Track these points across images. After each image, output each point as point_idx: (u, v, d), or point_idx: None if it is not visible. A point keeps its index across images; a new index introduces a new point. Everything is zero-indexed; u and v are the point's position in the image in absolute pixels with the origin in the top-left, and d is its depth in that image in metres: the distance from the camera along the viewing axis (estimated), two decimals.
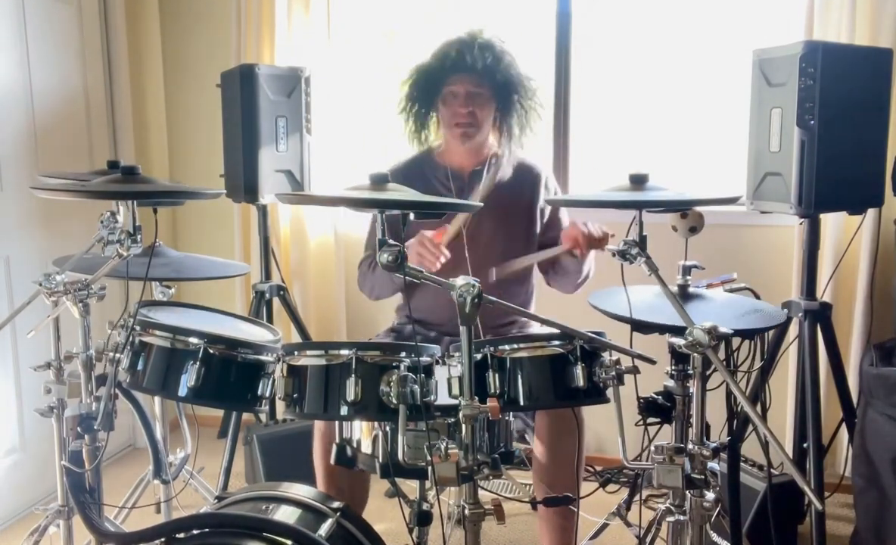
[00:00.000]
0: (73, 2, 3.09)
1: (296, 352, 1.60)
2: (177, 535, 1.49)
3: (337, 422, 1.72)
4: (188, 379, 1.63)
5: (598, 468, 3.08)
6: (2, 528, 2.73)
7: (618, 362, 1.58)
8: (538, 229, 2.41)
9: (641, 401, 1.59)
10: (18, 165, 2.83)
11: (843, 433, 2.65)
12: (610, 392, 1.58)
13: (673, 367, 1.59)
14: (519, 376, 1.60)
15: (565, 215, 2.46)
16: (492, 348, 1.60)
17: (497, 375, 1.58)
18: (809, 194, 2.19)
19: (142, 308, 1.77)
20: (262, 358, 1.69)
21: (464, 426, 1.42)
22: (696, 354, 1.49)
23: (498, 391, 1.57)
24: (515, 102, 2.33)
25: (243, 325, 2.00)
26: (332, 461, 1.70)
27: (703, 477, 1.53)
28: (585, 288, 2.29)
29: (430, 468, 1.41)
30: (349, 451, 1.68)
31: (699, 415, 1.54)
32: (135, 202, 1.74)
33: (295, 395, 1.58)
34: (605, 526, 2.56)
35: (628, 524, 2.49)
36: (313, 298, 3.38)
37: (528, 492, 2.82)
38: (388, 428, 1.59)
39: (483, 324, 1.99)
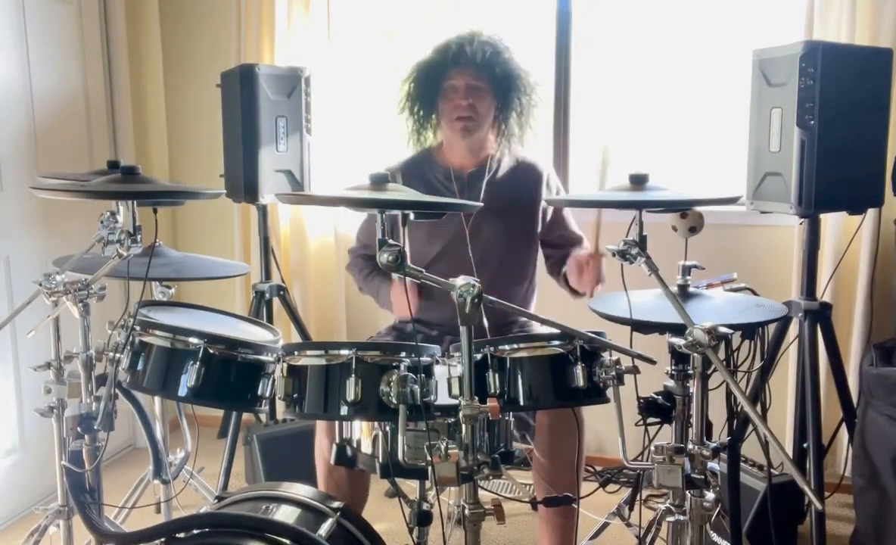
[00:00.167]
0: (73, 2, 3.09)
1: (296, 352, 1.60)
2: (177, 535, 1.49)
3: (337, 422, 1.72)
4: (188, 379, 1.63)
5: (598, 468, 3.08)
6: (2, 528, 2.73)
7: (618, 362, 1.58)
8: (539, 228, 2.41)
9: (641, 401, 1.59)
10: (18, 165, 2.83)
11: (843, 433, 2.65)
12: (610, 392, 1.58)
13: (673, 367, 1.59)
14: (519, 376, 1.60)
15: (570, 213, 2.46)
16: (492, 348, 1.60)
17: (497, 375, 1.58)
18: (809, 194, 2.19)
19: (142, 308, 1.77)
20: (262, 358, 1.69)
21: (464, 426, 1.42)
22: (696, 354, 1.49)
23: (498, 391, 1.57)
24: (515, 98, 2.33)
25: (243, 325, 2.00)
26: (332, 461, 1.70)
27: (703, 477, 1.53)
28: None
29: (430, 468, 1.41)
30: (349, 451, 1.68)
31: (699, 415, 1.54)
32: (135, 202, 1.74)
33: (295, 395, 1.58)
34: (605, 526, 2.56)
35: (628, 524, 2.49)
36: (313, 298, 3.39)
37: (528, 492, 2.82)
38: (388, 428, 1.59)
39: (489, 322, 2.00)
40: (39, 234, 2.91)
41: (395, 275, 2.18)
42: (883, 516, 2.23)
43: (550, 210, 2.42)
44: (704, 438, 1.54)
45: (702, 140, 3.24)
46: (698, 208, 1.99)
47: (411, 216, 1.56)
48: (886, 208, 2.45)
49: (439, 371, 1.59)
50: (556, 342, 1.60)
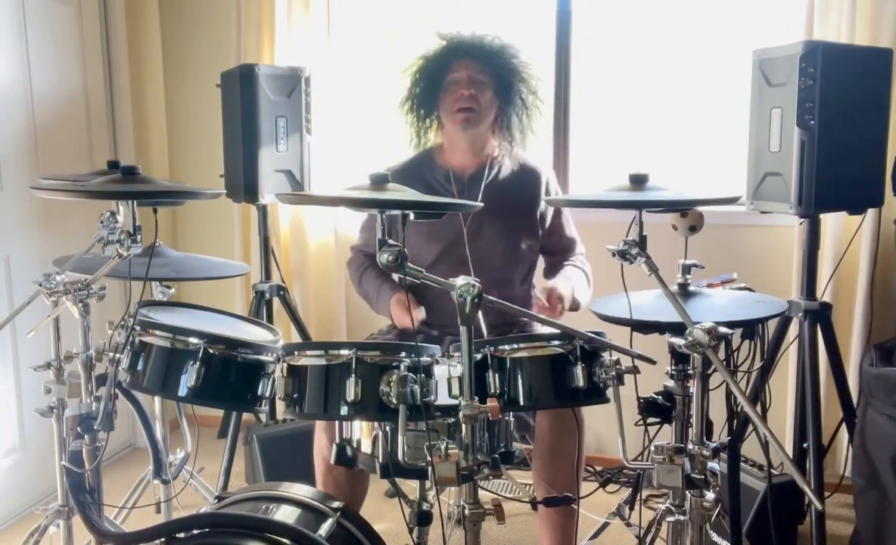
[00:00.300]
0: (73, 2, 3.09)
1: (296, 352, 1.60)
2: (177, 535, 1.49)
3: (337, 422, 1.72)
4: (188, 379, 1.63)
5: (598, 468, 3.08)
6: (2, 528, 2.73)
7: (618, 362, 1.58)
8: (540, 231, 2.41)
9: (641, 401, 1.59)
10: (18, 165, 2.83)
11: (843, 433, 2.65)
12: (610, 392, 1.58)
13: (673, 367, 1.58)
14: (519, 376, 1.60)
15: (569, 220, 2.46)
16: (492, 348, 1.60)
17: (497, 375, 1.58)
18: (809, 194, 2.19)
19: (142, 308, 1.77)
20: (262, 358, 1.68)
21: (464, 426, 1.42)
22: (696, 354, 1.49)
23: (498, 391, 1.57)
24: (518, 97, 2.32)
25: (243, 325, 2.00)
26: (332, 461, 1.70)
27: (703, 477, 1.53)
28: None
29: (430, 468, 1.41)
30: (349, 451, 1.68)
31: (699, 415, 1.54)
32: (135, 202, 1.74)
33: (295, 395, 1.58)
34: (605, 526, 2.56)
35: (628, 524, 2.49)
36: (313, 298, 3.39)
37: (528, 492, 2.82)
38: (388, 428, 1.59)
39: (489, 323, 2.00)
40: (39, 234, 2.91)
41: (394, 276, 2.18)
42: (883, 516, 2.22)
43: (549, 216, 2.42)
44: (704, 438, 1.54)
45: (702, 140, 3.24)
46: (698, 208, 1.98)
47: (411, 216, 1.56)
48: (886, 208, 2.45)
49: (439, 371, 1.59)
50: (556, 342, 1.60)
